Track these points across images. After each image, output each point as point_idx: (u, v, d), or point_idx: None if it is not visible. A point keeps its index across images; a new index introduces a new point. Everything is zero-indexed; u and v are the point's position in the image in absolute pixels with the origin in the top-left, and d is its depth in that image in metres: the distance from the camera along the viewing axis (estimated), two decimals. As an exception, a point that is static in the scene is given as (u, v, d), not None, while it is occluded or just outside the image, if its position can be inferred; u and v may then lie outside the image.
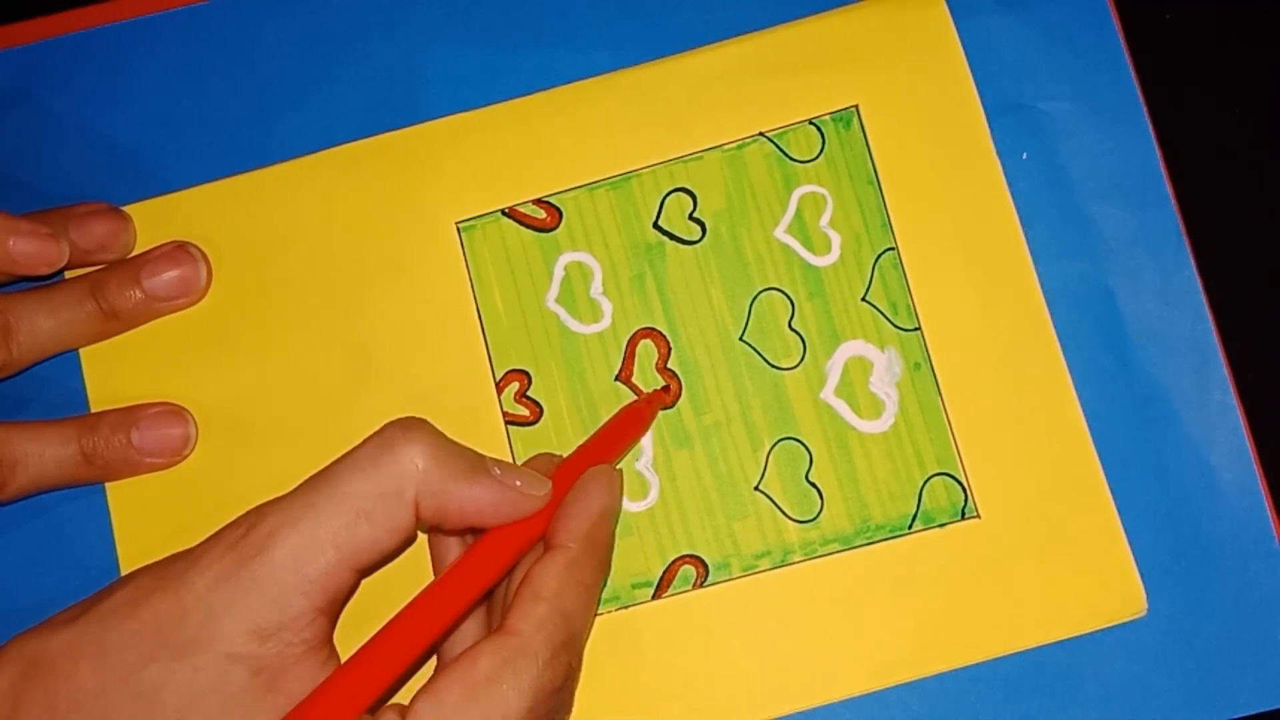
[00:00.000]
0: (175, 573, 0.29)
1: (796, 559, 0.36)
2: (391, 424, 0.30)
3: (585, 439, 0.35)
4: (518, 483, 0.31)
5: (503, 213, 0.38)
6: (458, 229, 0.38)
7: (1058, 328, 0.37)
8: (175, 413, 0.37)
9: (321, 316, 0.38)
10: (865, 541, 0.36)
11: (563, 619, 0.30)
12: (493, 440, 0.37)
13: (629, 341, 0.38)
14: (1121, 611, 0.35)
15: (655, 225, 0.38)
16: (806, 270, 0.38)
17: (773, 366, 0.37)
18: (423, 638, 0.29)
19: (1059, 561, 0.35)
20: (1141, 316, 0.37)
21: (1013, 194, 0.37)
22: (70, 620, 0.30)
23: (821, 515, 0.36)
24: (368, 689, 0.28)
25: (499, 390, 0.38)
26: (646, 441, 0.37)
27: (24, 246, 0.35)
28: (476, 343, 0.38)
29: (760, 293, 0.38)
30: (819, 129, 0.38)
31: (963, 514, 0.36)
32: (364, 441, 0.30)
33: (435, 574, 0.34)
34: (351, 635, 0.30)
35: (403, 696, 0.29)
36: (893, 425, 0.37)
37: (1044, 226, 0.37)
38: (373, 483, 0.29)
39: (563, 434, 0.37)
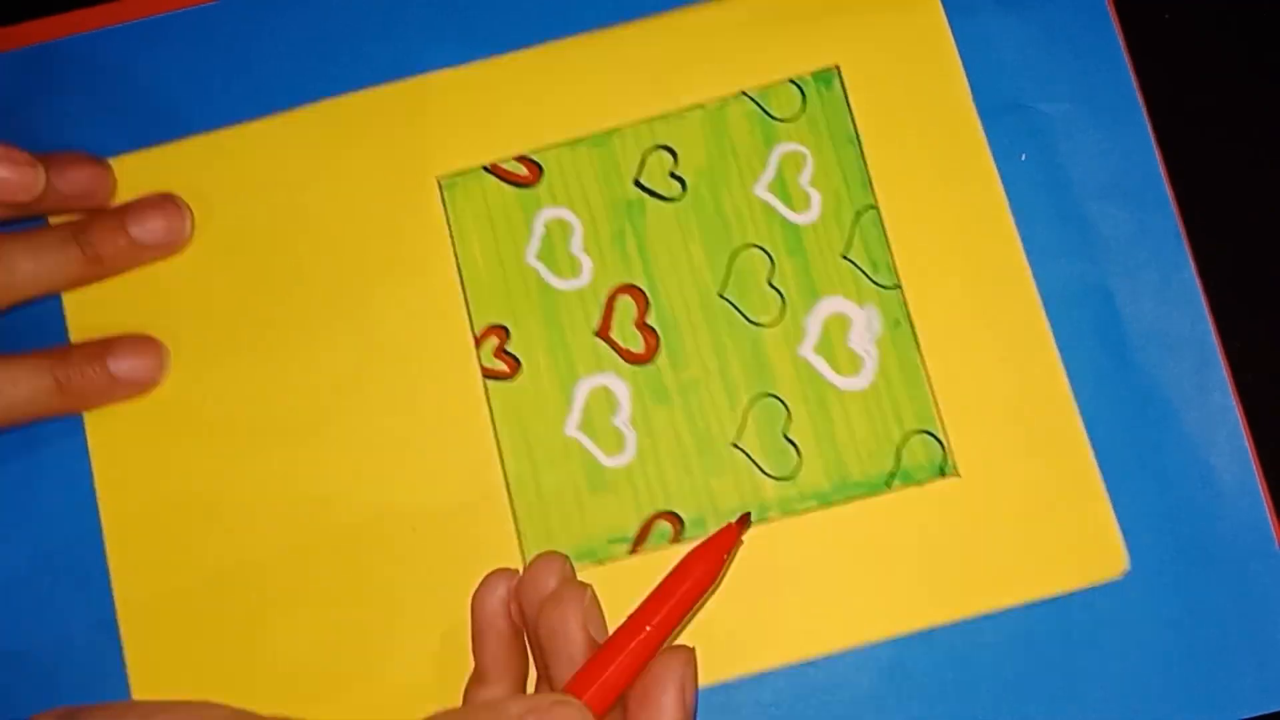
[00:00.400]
0: None
1: (773, 516, 0.36)
2: None
3: (639, 604, 0.31)
4: None
5: (484, 169, 0.38)
6: (439, 185, 0.38)
7: (1056, 328, 0.36)
8: (147, 340, 0.37)
9: (302, 268, 0.38)
10: (843, 499, 0.36)
11: None
12: (471, 394, 0.37)
13: (608, 297, 0.38)
14: (1102, 571, 0.35)
15: (636, 182, 0.38)
16: (786, 227, 0.37)
17: (752, 323, 0.37)
18: None
19: (1039, 520, 0.35)
20: (1140, 317, 0.36)
21: (1011, 194, 0.37)
22: None
23: (799, 472, 0.36)
24: None
25: (478, 344, 0.38)
26: (624, 397, 0.37)
27: (2, 172, 0.35)
28: (456, 297, 0.38)
29: (740, 249, 0.37)
30: (800, 88, 0.38)
31: (941, 472, 0.36)
32: None
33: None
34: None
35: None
36: (872, 382, 0.36)
37: (1043, 227, 0.37)
38: None
39: (540, 389, 0.37)
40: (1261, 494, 0.36)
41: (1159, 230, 0.37)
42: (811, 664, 0.35)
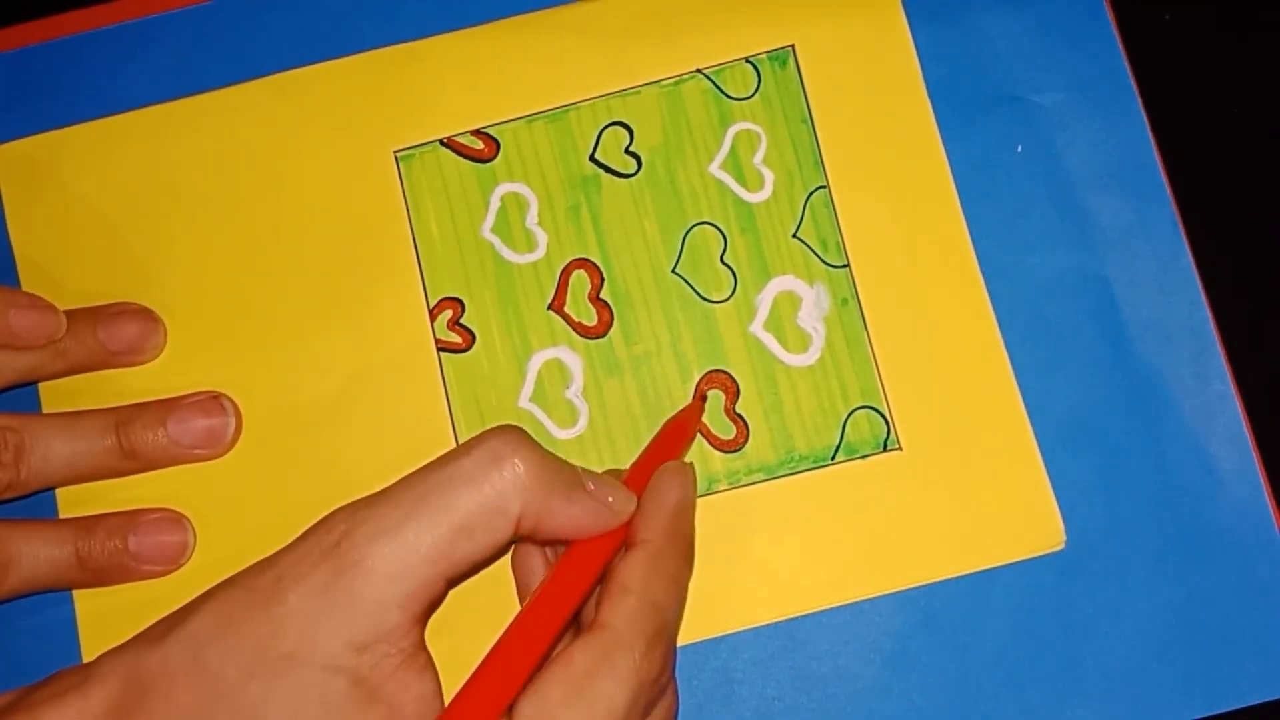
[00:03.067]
0: (266, 584, 0.29)
1: (721, 488, 0.37)
2: (494, 435, 0.29)
3: (645, 446, 0.35)
4: (610, 499, 0.31)
5: (441, 143, 0.39)
6: (396, 158, 0.39)
7: (1055, 318, 0.37)
8: (174, 520, 0.36)
9: (259, 239, 0.38)
10: (789, 472, 0.37)
11: (653, 610, 0.29)
12: (425, 366, 0.38)
13: (563, 271, 0.38)
14: (1040, 543, 0.36)
15: (592, 158, 0.38)
16: (739, 206, 0.38)
17: (704, 299, 0.38)
18: (532, 653, 0.29)
19: (978, 493, 0.36)
20: (1138, 306, 0.37)
21: (1008, 185, 0.37)
22: (161, 637, 0.29)
23: (747, 445, 0.37)
24: (490, 712, 0.28)
25: (432, 317, 0.38)
26: (577, 370, 0.38)
27: (23, 320, 0.35)
28: (411, 270, 0.38)
29: (693, 226, 0.38)
30: (755, 67, 0.39)
31: (885, 446, 0.37)
32: (466, 450, 0.29)
33: (517, 578, 0.34)
34: (432, 632, 0.30)
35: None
36: (819, 359, 0.37)
37: (1040, 217, 0.37)
38: (478, 496, 0.28)
39: (494, 361, 0.38)
40: (1261, 481, 0.36)
41: (1156, 219, 0.37)
42: (815, 657, 0.36)
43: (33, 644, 0.37)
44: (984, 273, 0.37)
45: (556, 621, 0.29)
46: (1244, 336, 0.37)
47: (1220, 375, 0.37)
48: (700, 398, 0.37)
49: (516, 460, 0.29)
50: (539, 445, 0.30)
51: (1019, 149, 0.38)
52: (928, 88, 0.38)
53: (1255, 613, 0.35)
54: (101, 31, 0.40)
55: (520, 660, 0.28)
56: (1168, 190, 0.37)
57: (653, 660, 0.29)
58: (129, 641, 0.30)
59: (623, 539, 0.31)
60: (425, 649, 0.30)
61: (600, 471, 0.32)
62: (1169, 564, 0.36)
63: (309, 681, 0.27)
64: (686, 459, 0.36)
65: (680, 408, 0.37)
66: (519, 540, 0.33)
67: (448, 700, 0.28)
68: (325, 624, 0.28)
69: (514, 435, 0.30)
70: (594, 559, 0.31)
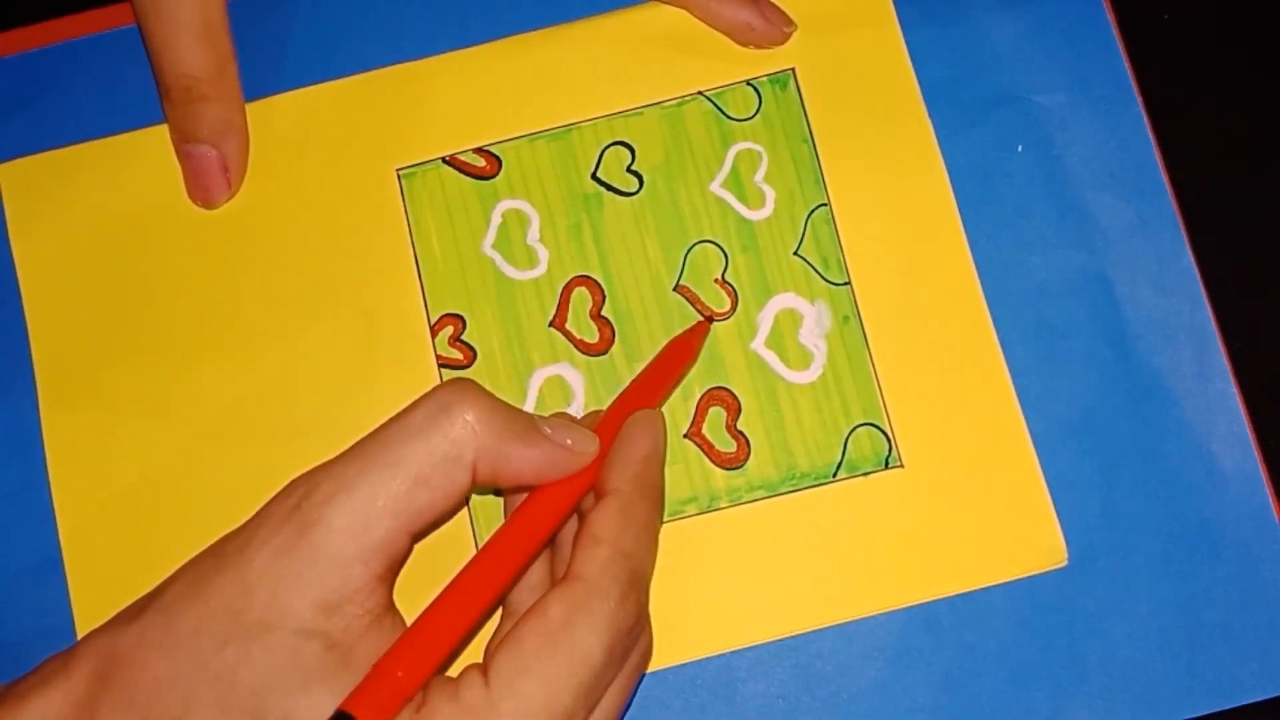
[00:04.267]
0: (233, 551, 0.29)
1: (723, 505, 0.37)
2: (443, 387, 0.30)
3: (628, 384, 0.35)
4: (569, 441, 0.31)
5: (443, 160, 0.39)
6: (398, 175, 0.39)
7: (1056, 318, 0.37)
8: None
9: (262, 257, 0.38)
10: (790, 489, 0.37)
11: (624, 559, 0.30)
12: (426, 382, 0.37)
13: (564, 288, 0.38)
14: (1042, 561, 0.36)
15: (594, 176, 0.39)
16: (741, 224, 0.38)
17: (705, 317, 0.38)
18: (483, 596, 0.29)
19: (980, 511, 0.36)
20: (1139, 306, 0.37)
21: (1009, 186, 0.38)
22: (137, 614, 0.29)
23: (748, 463, 0.37)
24: (434, 651, 0.28)
25: (433, 334, 0.38)
26: (579, 387, 0.37)
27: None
28: (413, 286, 0.38)
29: (695, 244, 0.38)
30: (756, 90, 0.39)
31: (886, 463, 0.37)
32: (416, 405, 0.29)
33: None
34: (403, 596, 0.30)
35: (471, 655, 0.29)
36: (820, 376, 0.37)
37: (1040, 218, 0.38)
38: (430, 447, 0.29)
39: (495, 378, 0.38)
40: (1263, 479, 0.36)
41: (1156, 219, 0.37)
42: (819, 656, 0.35)
43: (32, 652, 0.36)
44: (984, 274, 0.37)
45: (512, 564, 0.29)
46: (1245, 336, 0.37)
47: (1222, 374, 0.37)
48: (707, 319, 0.37)
49: (466, 408, 0.29)
50: (490, 394, 0.30)
51: (1019, 149, 0.38)
52: (929, 89, 0.38)
53: (1257, 611, 0.35)
54: (102, 35, 0.40)
55: (472, 603, 0.29)
56: (1168, 190, 0.38)
57: (627, 609, 0.29)
58: (108, 621, 0.30)
59: (590, 484, 0.31)
60: (395, 610, 0.29)
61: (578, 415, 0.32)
62: (1171, 562, 0.36)
63: (282, 646, 0.27)
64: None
65: (685, 329, 0.37)
66: (482, 490, 0.33)
67: None
68: (292, 585, 0.28)
69: (463, 386, 0.30)
70: (556, 503, 0.31)
